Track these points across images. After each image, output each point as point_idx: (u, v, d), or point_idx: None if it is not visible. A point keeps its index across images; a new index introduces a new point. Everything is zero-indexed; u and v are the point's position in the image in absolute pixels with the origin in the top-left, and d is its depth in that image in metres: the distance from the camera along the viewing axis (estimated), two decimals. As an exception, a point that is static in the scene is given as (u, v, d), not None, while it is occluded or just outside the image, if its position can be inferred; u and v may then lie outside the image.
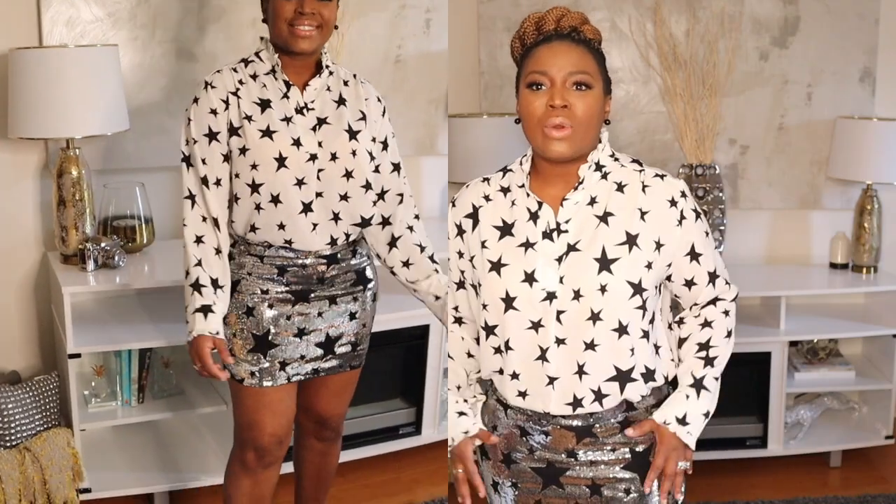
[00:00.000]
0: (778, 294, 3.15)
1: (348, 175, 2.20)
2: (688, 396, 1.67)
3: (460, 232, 1.74)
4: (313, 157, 2.17)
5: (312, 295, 2.29)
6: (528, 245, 1.63)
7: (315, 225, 2.22)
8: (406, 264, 2.38)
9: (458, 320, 1.82)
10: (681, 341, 1.74)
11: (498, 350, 1.68)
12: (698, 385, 1.68)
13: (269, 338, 2.27)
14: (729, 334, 1.72)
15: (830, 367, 3.31)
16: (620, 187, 1.63)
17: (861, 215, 3.30)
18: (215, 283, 2.20)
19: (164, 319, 2.99)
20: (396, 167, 2.34)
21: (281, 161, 2.14)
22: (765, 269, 3.41)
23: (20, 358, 3.22)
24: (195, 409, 3.08)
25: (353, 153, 2.20)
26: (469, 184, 1.76)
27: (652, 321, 1.66)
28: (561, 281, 1.60)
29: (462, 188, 1.76)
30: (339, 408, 2.53)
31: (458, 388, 1.83)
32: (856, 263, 3.34)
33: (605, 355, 1.61)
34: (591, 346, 1.60)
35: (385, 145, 2.31)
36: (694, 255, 1.66)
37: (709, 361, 1.70)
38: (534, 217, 1.64)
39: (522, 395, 1.67)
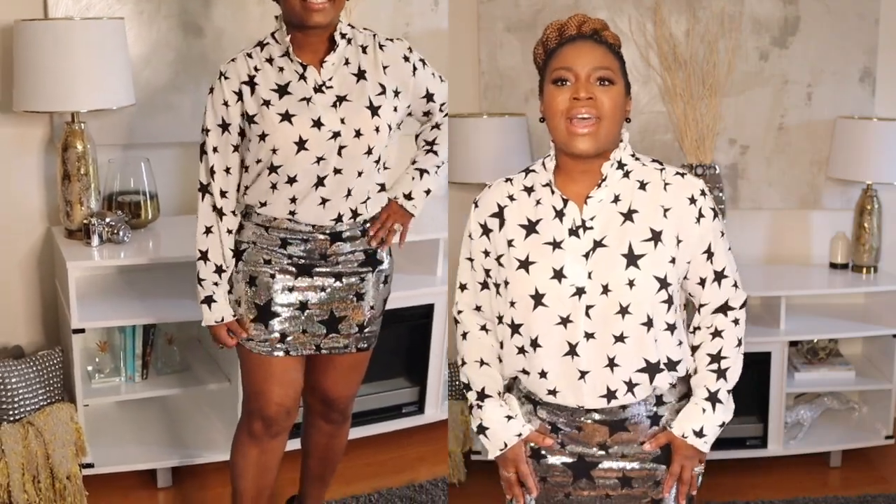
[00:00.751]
0: (778, 294, 3.15)
1: (369, 151, 2.20)
2: (703, 410, 1.73)
3: (486, 231, 1.76)
4: (336, 135, 2.16)
5: (316, 270, 2.31)
6: (554, 243, 1.67)
7: (325, 200, 2.23)
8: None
9: (484, 327, 1.83)
10: (693, 349, 1.78)
11: (521, 350, 1.71)
12: (713, 398, 1.74)
13: (272, 308, 2.30)
14: (739, 343, 1.77)
15: (830, 367, 3.31)
16: (643, 185, 1.68)
17: (861, 215, 3.30)
18: (220, 270, 2.29)
19: (168, 295, 2.98)
20: (429, 97, 2.33)
21: (301, 144, 2.14)
22: (765, 269, 3.41)
23: (24, 333, 3.20)
24: (199, 385, 3.07)
25: (377, 130, 2.19)
26: (491, 185, 1.78)
27: (674, 309, 1.72)
28: (589, 276, 1.64)
29: (485, 189, 1.78)
30: (346, 389, 2.52)
31: (499, 393, 1.82)
32: (856, 263, 3.34)
33: (634, 348, 1.66)
34: (620, 338, 1.65)
35: (429, 97, 2.32)
36: (709, 253, 1.70)
37: (721, 374, 1.75)
38: (559, 215, 1.68)
39: (553, 392, 1.70)
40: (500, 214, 1.74)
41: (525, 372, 1.73)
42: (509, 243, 1.71)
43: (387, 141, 2.23)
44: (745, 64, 3.31)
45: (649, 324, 1.65)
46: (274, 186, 2.21)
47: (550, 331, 1.66)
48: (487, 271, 1.77)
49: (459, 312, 1.84)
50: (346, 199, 2.25)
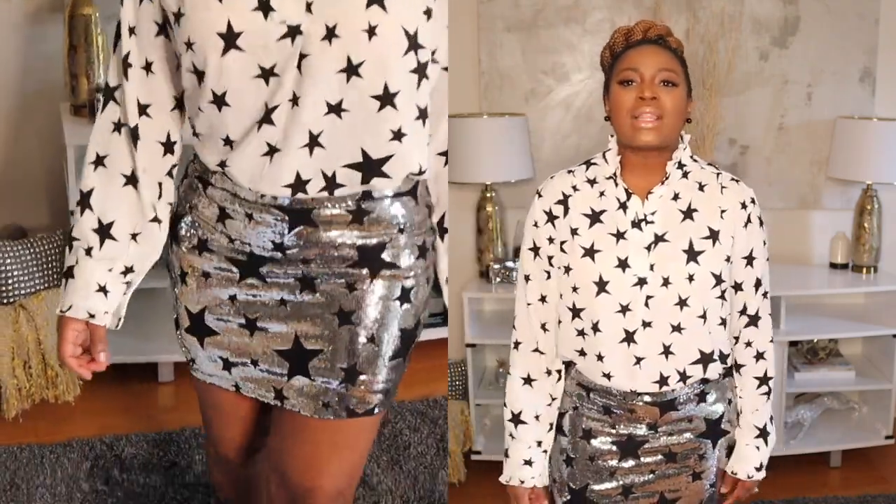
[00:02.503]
0: (778, 294, 3.14)
1: (352, 71, 1.43)
2: (758, 448, 1.84)
3: (551, 218, 1.80)
4: (292, 33, 1.41)
5: (267, 269, 1.54)
6: (618, 233, 1.74)
7: (272, 149, 1.45)
8: None
9: (544, 326, 1.84)
10: (737, 366, 1.85)
11: (581, 332, 1.77)
12: (763, 433, 1.84)
13: (205, 321, 1.62)
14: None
15: (830, 367, 3.31)
16: (701, 187, 1.76)
17: (861, 215, 3.30)
18: (104, 230, 1.57)
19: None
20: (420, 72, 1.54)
21: (229, 40, 1.41)
22: (765, 269, 3.40)
23: (28, 214, 3.01)
24: None
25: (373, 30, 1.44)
26: (554, 176, 1.84)
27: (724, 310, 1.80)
28: (651, 268, 1.72)
29: (547, 180, 1.84)
30: (328, 478, 1.62)
31: (537, 417, 1.86)
32: (856, 263, 3.34)
33: (690, 338, 1.74)
34: (677, 328, 1.73)
35: None
36: (750, 259, 1.78)
37: (768, 396, 1.83)
38: (623, 207, 1.75)
39: (608, 376, 1.76)
40: (564, 202, 1.79)
41: (582, 353, 1.79)
42: (573, 231, 1.77)
43: (414, 64, 1.48)
44: (745, 64, 3.30)
45: (705, 317, 1.73)
46: (201, 109, 1.47)
47: (611, 317, 1.73)
48: (550, 258, 1.81)
49: (528, 305, 1.84)
50: (308, 154, 1.44)
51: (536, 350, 1.84)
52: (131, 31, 1.49)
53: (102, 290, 1.61)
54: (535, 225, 1.82)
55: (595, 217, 1.76)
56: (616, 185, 1.75)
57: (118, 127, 1.53)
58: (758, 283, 1.80)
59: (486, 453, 3.20)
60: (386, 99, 1.44)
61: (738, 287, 1.80)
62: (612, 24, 3.28)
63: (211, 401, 1.73)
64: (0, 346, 2.64)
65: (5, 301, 2.71)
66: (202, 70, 1.42)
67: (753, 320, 1.81)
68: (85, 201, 1.54)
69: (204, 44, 1.39)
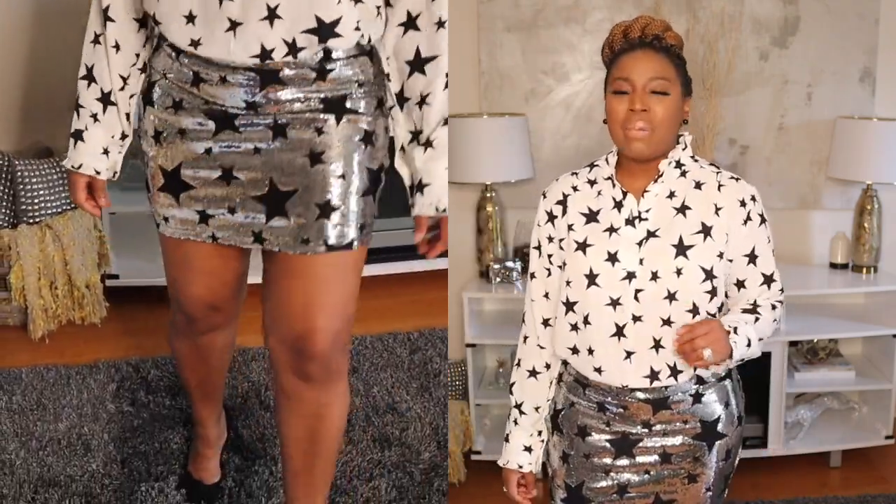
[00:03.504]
0: (778, 294, 3.15)
1: None
2: (737, 321, 1.76)
3: (551, 218, 1.86)
4: None
5: (241, 120, 1.69)
6: (612, 230, 1.78)
7: (234, 24, 1.61)
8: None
9: (546, 322, 1.90)
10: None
11: (574, 327, 1.81)
12: (743, 321, 1.75)
13: (181, 177, 1.73)
14: (775, 320, 1.82)
15: (830, 367, 3.31)
16: (698, 185, 1.78)
17: (861, 215, 3.30)
18: (106, 98, 1.77)
19: None
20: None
21: None
22: (765, 269, 3.40)
23: (54, 133, 2.92)
24: None
25: None
26: (559, 178, 1.89)
27: (720, 309, 1.80)
28: (641, 263, 1.75)
29: (552, 181, 1.90)
30: (322, 318, 1.74)
31: (537, 408, 1.92)
32: (856, 263, 3.34)
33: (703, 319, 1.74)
34: (667, 322, 1.74)
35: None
36: (752, 257, 1.79)
37: (754, 312, 1.78)
38: (618, 206, 1.79)
39: (598, 370, 1.79)
40: (564, 202, 1.85)
41: (575, 351, 1.81)
42: (570, 228, 1.82)
43: None
44: (745, 64, 3.30)
45: (694, 311, 1.74)
46: None
47: (601, 311, 1.77)
48: (550, 256, 1.86)
49: (532, 301, 1.90)
50: (269, 26, 1.61)
51: (539, 345, 1.90)
52: None
53: (105, 152, 1.84)
54: (538, 224, 1.89)
55: (591, 215, 1.81)
56: (613, 185, 1.79)
57: (105, 12, 1.73)
58: (768, 280, 1.81)
59: (486, 453, 3.20)
60: None
61: (740, 284, 1.81)
62: (612, 25, 3.27)
63: (182, 257, 1.83)
64: (26, 266, 2.66)
65: (31, 221, 2.72)
66: None
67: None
68: (89, 74, 1.76)
69: None
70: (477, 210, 3.33)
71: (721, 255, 1.76)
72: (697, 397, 1.80)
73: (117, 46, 1.76)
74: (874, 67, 3.31)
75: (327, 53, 1.69)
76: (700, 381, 1.79)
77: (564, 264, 1.83)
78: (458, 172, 3.18)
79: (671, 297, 1.74)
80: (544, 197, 1.89)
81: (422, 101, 1.83)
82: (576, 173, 1.87)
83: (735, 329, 1.72)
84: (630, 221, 1.78)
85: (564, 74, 3.34)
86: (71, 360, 2.93)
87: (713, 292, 1.76)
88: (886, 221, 3.34)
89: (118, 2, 1.74)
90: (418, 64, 1.82)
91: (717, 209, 1.76)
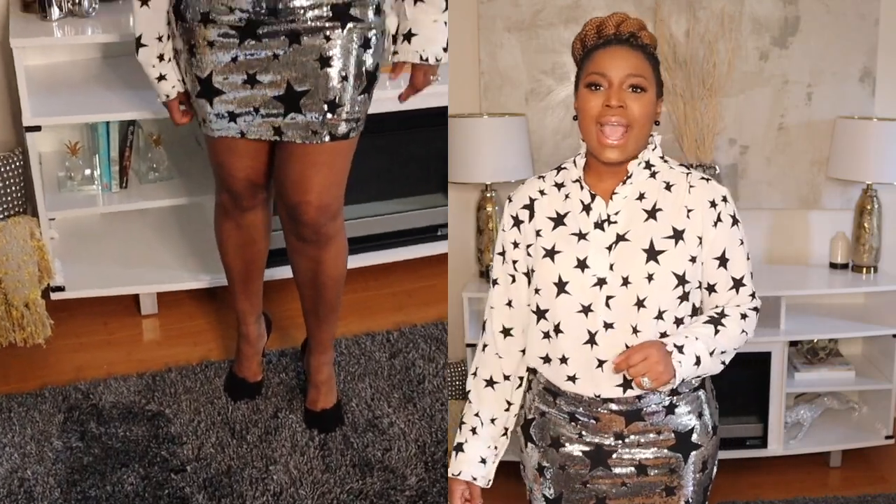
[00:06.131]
0: (778, 294, 3.15)
1: None
2: (686, 336, 1.70)
3: (517, 223, 1.82)
4: None
5: (263, 30, 1.97)
6: (580, 234, 1.73)
7: None
8: None
9: (506, 332, 1.85)
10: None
11: (546, 335, 1.76)
12: (694, 336, 1.69)
13: (213, 83, 2.05)
14: (743, 331, 1.75)
15: (830, 367, 3.31)
16: (668, 186, 1.74)
17: (861, 215, 3.30)
18: (160, 39, 2.05)
19: (150, 84, 2.45)
20: None
21: None
22: (765, 269, 3.40)
23: None
24: (191, 195, 2.65)
25: None
26: (526, 181, 1.86)
27: (692, 314, 1.75)
28: (611, 268, 1.70)
29: (519, 185, 1.86)
30: (313, 193, 2.13)
31: (493, 420, 1.86)
32: (856, 263, 3.34)
33: (646, 340, 1.69)
34: (636, 330, 1.70)
35: None
36: (722, 260, 1.74)
37: (715, 324, 1.71)
38: (586, 209, 1.74)
39: (572, 379, 1.75)
40: (530, 207, 1.80)
41: (547, 360, 1.77)
42: (537, 233, 1.77)
43: None
44: (745, 64, 3.30)
45: (660, 317, 1.70)
46: None
47: (572, 318, 1.72)
48: (515, 262, 1.82)
49: (491, 308, 1.85)
50: None
51: (497, 354, 1.85)
52: None
53: (162, 78, 2.14)
54: (503, 230, 1.84)
55: (559, 220, 1.76)
56: (581, 188, 1.75)
57: None
58: (737, 284, 1.75)
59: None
60: None
61: (711, 289, 1.76)
62: (612, 24, 3.28)
63: (223, 147, 2.13)
64: (-45, 285, 2.32)
65: None
66: None
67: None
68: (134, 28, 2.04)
69: None
70: (477, 210, 3.33)
71: (693, 259, 1.72)
72: (671, 408, 1.76)
73: None
74: (874, 67, 3.31)
75: None
76: (674, 392, 1.75)
77: (531, 271, 1.78)
78: (458, 172, 3.18)
79: (640, 303, 1.69)
80: (510, 201, 1.85)
81: None
82: (543, 177, 1.83)
83: (681, 348, 1.66)
84: (599, 225, 1.73)
85: (564, 74, 3.34)
86: (15, 387, 2.64)
87: (684, 297, 1.72)
88: (886, 221, 3.34)
89: None
90: None
91: (689, 211, 1.72)
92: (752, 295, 1.78)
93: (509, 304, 1.83)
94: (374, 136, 2.21)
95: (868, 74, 3.31)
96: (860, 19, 3.27)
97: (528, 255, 1.79)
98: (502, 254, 1.84)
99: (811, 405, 3.34)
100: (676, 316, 1.72)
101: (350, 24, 1.98)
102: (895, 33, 3.30)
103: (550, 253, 1.75)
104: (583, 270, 1.71)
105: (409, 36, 2.09)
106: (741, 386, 3.16)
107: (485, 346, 1.87)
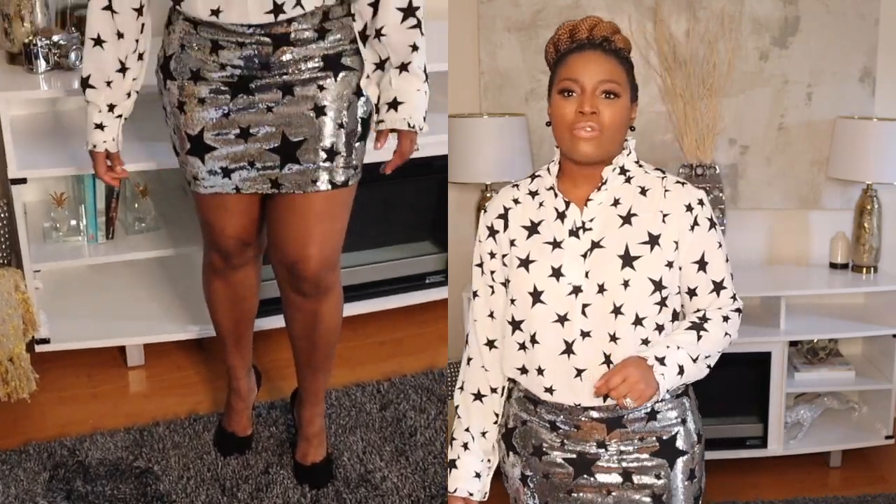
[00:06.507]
0: (778, 294, 3.15)
1: None
2: (668, 346, 1.67)
3: (492, 233, 1.80)
4: None
5: (256, 83, 1.94)
6: (555, 243, 1.71)
7: None
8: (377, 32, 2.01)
9: (490, 343, 1.82)
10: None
11: (522, 346, 1.74)
12: (675, 345, 1.68)
13: (204, 140, 2.00)
14: (725, 334, 1.73)
15: (830, 367, 3.31)
16: (643, 191, 1.71)
17: (861, 215, 3.30)
18: (118, 73, 1.99)
19: (138, 135, 2.48)
20: None
21: None
22: (765, 269, 3.40)
23: None
24: (177, 247, 2.62)
25: None
26: (500, 191, 1.82)
27: (673, 320, 1.73)
28: (586, 276, 1.68)
29: (493, 196, 1.82)
30: (314, 247, 2.09)
31: (484, 433, 1.85)
32: (856, 263, 3.34)
33: (626, 348, 1.67)
34: (614, 338, 1.67)
35: None
36: (701, 263, 1.71)
37: (697, 330, 1.70)
38: (561, 216, 1.72)
39: (550, 390, 1.72)
40: (505, 216, 1.78)
41: (524, 371, 1.75)
42: (512, 243, 1.75)
43: None
44: (745, 64, 3.30)
45: (638, 323, 1.67)
46: None
47: (548, 328, 1.70)
48: (493, 273, 1.81)
49: (474, 321, 1.83)
50: None
51: (483, 367, 1.82)
52: None
53: (100, 126, 2.06)
54: (480, 241, 1.82)
55: (533, 228, 1.74)
56: (556, 195, 1.73)
57: (109, 6, 1.93)
58: (717, 287, 1.73)
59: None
60: None
61: (691, 293, 1.74)
62: (612, 24, 3.28)
63: (214, 204, 2.08)
64: (-65, 338, 2.28)
65: None
66: None
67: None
68: (97, 44, 1.96)
69: None
70: (477, 210, 3.33)
71: (670, 265, 1.69)
72: (653, 415, 1.73)
73: (120, 35, 1.97)
74: (874, 67, 3.31)
75: (325, 15, 1.95)
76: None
77: (508, 281, 1.76)
78: (458, 172, 3.18)
79: (617, 310, 1.66)
80: (484, 212, 1.82)
81: (377, 34, 2.03)
82: (517, 185, 1.80)
83: (662, 359, 1.64)
84: (574, 232, 1.70)
85: (564, 74, 3.33)
86: (-3, 444, 2.55)
87: (663, 303, 1.69)
88: (886, 221, 3.34)
89: None
90: (374, 4, 2.03)
91: (664, 216, 1.69)
92: (734, 297, 1.76)
93: (491, 315, 1.81)
94: (363, 185, 2.16)
95: (868, 74, 3.31)
96: (860, 19, 3.27)
97: (504, 264, 1.77)
98: (480, 265, 1.82)
99: (811, 405, 3.34)
100: (657, 322, 1.69)
101: (343, 73, 1.98)
102: (895, 33, 3.30)
103: (525, 263, 1.72)
104: (558, 279, 1.69)
105: (395, 104, 2.04)
106: (741, 386, 3.16)
107: (469, 359, 1.85)
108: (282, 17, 1.87)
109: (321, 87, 1.94)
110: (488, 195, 3.29)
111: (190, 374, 2.75)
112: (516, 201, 1.78)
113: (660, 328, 1.70)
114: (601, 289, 1.67)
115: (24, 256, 2.46)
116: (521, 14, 3.33)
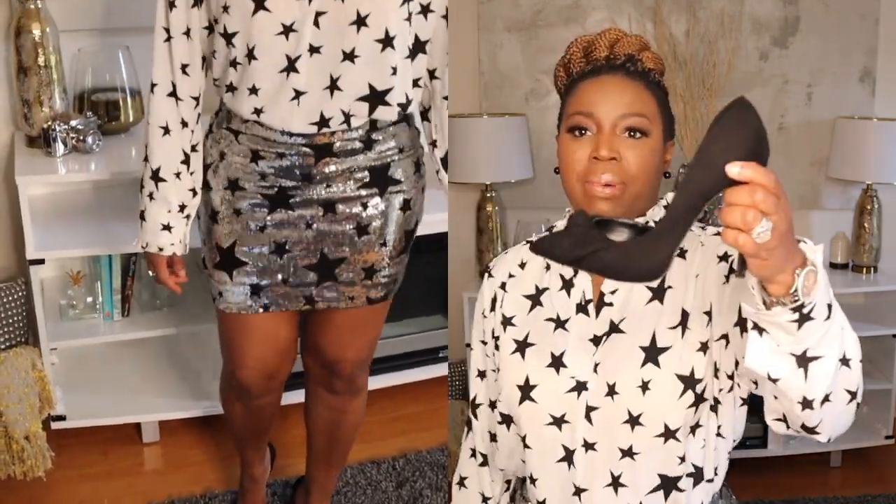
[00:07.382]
0: (778, 294, 3.14)
1: (360, 22, 1.68)
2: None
3: (494, 306, 1.45)
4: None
5: (295, 199, 1.80)
6: (558, 321, 1.34)
7: (298, 93, 1.72)
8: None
9: (494, 437, 1.48)
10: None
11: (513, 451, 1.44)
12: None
13: (236, 254, 1.85)
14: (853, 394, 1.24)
15: (830, 367, 3.30)
16: (682, 253, 1.30)
17: (861, 215, 3.30)
18: (156, 176, 1.84)
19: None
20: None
21: (259, 3, 1.67)
22: (765, 269, 3.40)
23: None
24: (192, 324, 2.63)
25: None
26: (509, 251, 1.49)
27: (714, 408, 1.30)
28: (595, 369, 1.30)
29: (501, 255, 1.50)
30: (352, 351, 2.03)
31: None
32: (856, 263, 3.34)
33: (647, 465, 1.29)
34: (628, 453, 1.28)
35: None
36: (742, 322, 1.18)
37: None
38: (567, 286, 1.34)
39: None
40: (504, 286, 1.44)
41: (531, 478, 1.40)
42: (510, 321, 1.41)
43: (400, 11, 1.71)
44: (745, 64, 3.30)
45: (668, 435, 1.26)
46: (235, 63, 1.73)
47: (541, 432, 1.33)
48: (487, 357, 1.49)
49: (478, 406, 1.50)
50: (330, 96, 1.72)
51: (485, 464, 1.49)
52: (171, 4, 1.75)
53: (167, 228, 1.89)
54: (484, 314, 1.47)
55: (535, 298, 1.38)
56: None
57: (174, 93, 1.80)
58: None
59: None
60: (386, 42, 1.71)
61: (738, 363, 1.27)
62: (611, 25, 3.28)
63: (238, 327, 1.94)
64: (-48, 418, 2.28)
65: None
66: (235, 31, 1.67)
67: None
68: (147, 158, 1.84)
69: (238, 6, 1.65)
70: (477, 210, 3.33)
71: (704, 347, 1.26)
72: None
73: (184, 123, 1.85)
74: (874, 67, 3.31)
75: (373, 124, 1.82)
76: None
77: (499, 367, 1.40)
78: (458, 172, 3.18)
79: (633, 421, 1.25)
80: (490, 276, 1.45)
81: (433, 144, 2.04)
82: (531, 241, 1.30)
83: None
84: (582, 308, 1.31)
85: (564, 74, 3.34)
86: (12, 524, 2.47)
87: (699, 400, 1.26)
88: (886, 221, 3.34)
89: (184, 84, 1.82)
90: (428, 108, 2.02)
91: (695, 278, 1.28)
92: None
93: (493, 405, 1.48)
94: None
95: (868, 74, 3.31)
96: (860, 19, 3.27)
97: (497, 348, 1.42)
98: (485, 343, 1.47)
99: (811, 405, 3.34)
100: (690, 426, 1.27)
101: (389, 188, 1.84)
102: (895, 33, 3.30)
103: (522, 346, 1.36)
104: (557, 370, 1.31)
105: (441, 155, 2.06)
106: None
107: (472, 451, 1.51)
108: (325, 129, 1.75)
109: (365, 206, 1.82)
110: (488, 195, 3.29)
111: (205, 451, 2.71)
112: (523, 265, 1.43)
113: (693, 430, 1.28)
114: (612, 390, 1.27)
115: (42, 334, 2.46)
116: (521, 14, 3.33)
